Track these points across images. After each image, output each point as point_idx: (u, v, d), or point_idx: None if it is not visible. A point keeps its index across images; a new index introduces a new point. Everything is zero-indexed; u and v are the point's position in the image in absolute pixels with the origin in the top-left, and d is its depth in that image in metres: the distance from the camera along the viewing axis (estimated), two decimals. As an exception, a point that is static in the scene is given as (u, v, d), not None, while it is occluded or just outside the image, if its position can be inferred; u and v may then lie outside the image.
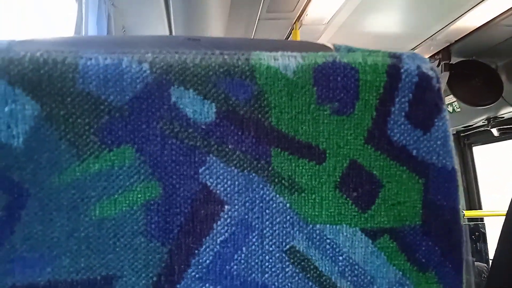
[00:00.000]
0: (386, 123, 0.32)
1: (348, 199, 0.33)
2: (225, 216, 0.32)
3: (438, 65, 2.46)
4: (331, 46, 0.34)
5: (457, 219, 0.34)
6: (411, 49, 2.45)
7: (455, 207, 0.34)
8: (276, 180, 0.32)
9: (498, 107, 2.50)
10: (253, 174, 0.32)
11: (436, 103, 0.33)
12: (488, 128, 2.76)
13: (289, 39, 2.28)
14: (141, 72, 0.30)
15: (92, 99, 0.30)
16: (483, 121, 2.78)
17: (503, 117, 2.67)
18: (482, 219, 2.90)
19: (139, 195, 0.31)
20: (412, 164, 0.33)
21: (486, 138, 2.93)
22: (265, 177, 0.32)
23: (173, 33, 1.75)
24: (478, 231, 2.88)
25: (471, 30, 2.12)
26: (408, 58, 0.33)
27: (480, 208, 2.99)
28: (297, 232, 0.33)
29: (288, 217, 0.33)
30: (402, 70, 0.32)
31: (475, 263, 2.97)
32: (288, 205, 0.33)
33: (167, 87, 0.31)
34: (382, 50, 0.33)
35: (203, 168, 0.32)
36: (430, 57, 2.49)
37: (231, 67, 0.31)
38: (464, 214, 2.39)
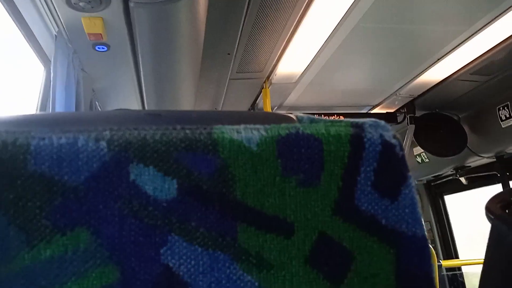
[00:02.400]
0: (353, 193, 0.32)
1: (319, 273, 0.31)
2: None
3: (404, 118, 2.55)
4: (294, 117, 0.34)
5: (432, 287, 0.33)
6: (378, 104, 2.54)
7: (429, 275, 0.33)
8: (243, 257, 0.31)
9: (464, 157, 2.58)
10: (219, 252, 0.30)
11: (401, 170, 0.32)
12: (457, 177, 2.83)
13: (259, 97, 2.33)
14: (98, 150, 0.29)
15: (45, 181, 0.29)
16: (451, 170, 2.86)
17: (470, 166, 2.75)
18: (460, 269, 2.89)
19: (95, 281, 0.29)
20: (382, 233, 0.32)
21: (455, 187, 2.99)
22: (231, 255, 0.31)
23: (143, 92, 1.76)
24: (456, 281, 2.86)
25: (433, 84, 2.23)
26: (371, 127, 0.33)
27: (457, 257, 2.99)
28: None
29: None
30: (365, 140, 0.32)
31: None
32: (256, 283, 0.31)
33: (126, 164, 0.30)
34: (344, 120, 0.33)
35: (165, 248, 0.30)
36: (396, 110, 2.58)
37: (193, 142, 0.30)
38: (441, 264, 2.38)
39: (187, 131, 0.31)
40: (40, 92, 1.31)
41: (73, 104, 1.24)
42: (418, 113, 2.53)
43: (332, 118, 2.55)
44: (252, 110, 2.48)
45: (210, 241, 0.30)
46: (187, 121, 0.32)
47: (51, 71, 1.19)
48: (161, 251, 0.30)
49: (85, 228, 0.29)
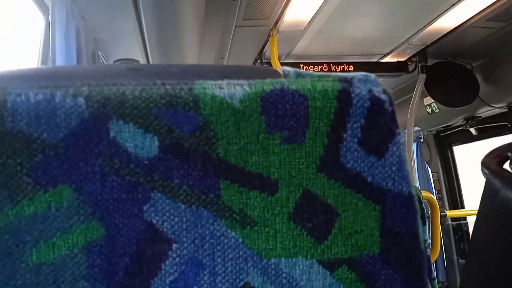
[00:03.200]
0: (339, 150, 0.31)
1: (303, 230, 0.32)
2: (174, 255, 0.30)
3: (415, 67, 2.49)
4: (281, 72, 0.33)
5: (417, 245, 0.33)
6: (388, 52, 2.47)
7: (414, 233, 0.32)
8: (227, 214, 0.31)
9: (475, 107, 2.53)
10: (202, 209, 0.30)
11: (389, 127, 0.31)
12: (467, 128, 2.80)
13: (266, 45, 2.27)
14: (76, 107, 0.29)
15: (24, 138, 0.28)
16: (462, 120, 2.82)
17: (481, 117, 2.70)
18: (465, 218, 2.93)
19: (79, 237, 0.29)
20: (368, 191, 0.32)
21: (465, 137, 2.97)
22: (214, 212, 0.31)
23: (146, 41, 1.72)
24: (461, 230, 2.91)
25: (446, 32, 2.15)
26: (359, 82, 0.31)
27: (463, 207, 3.02)
28: (251, 267, 0.31)
29: (241, 253, 0.31)
30: (353, 95, 0.31)
31: (460, 261, 3.00)
32: (240, 240, 0.31)
33: (105, 121, 0.29)
34: (332, 75, 0.32)
35: (148, 205, 0.30)
36: (407, 59, 2.51)
37: (174, 98, 0.29)
38: (446, 215, 2.41)
39: (168, 87, 0.30)
40: (40, 43, 1.29)
41: (74, 54, 1.23)
42: (430, 62, 2.46)
43: (341, 67, 2.50)
44: (258, 60, 2.43)
45: (193, 198, 0.30)
46: (168, 75, 0.31)
47: (49, 20, 1.17)
48: (144, 208, 0.30)
49: (67, 185, 0.29)
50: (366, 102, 0.31)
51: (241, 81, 0.31)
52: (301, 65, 2.46)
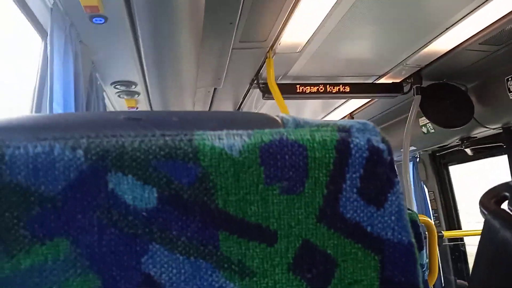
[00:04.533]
0: (338, 200, 0.31)
1: (302, 281, 0.31)
2: None
3: (410, 89, 2.51)
4: (279, 120, 0.33)
5: None
6: (383, 74, 2.49)
7: (414, 282, 0.32)
8: (225, 265, 0.30)
9: (470, 128, 2.55)
10: (201, 260, 0.30)
11: (388, 176, 0.31)
12: (462, 148, 2.81)
13: (263, 67, 2.29)
14: (75, 159, 0.28)
15: (21, 191, 0.28)
16: (457, 141, 2.83)
17: (476, 137, 2.72)
18: (462, 239, 2.92)
19: None
20: (367, 241, 0.32)
21: (460, 157, 2.98)
22: (213, 263, 0.30)
23: (143, 63, 1.73)
24: (458, 251, 2.89)
25: (440, 54, 2.17)
26: (358, 131, 0.32)
27: (460, 227, 3.02)
28: None
29: None
30: (351, 145, 0.31)
31: (457, 281, 2.98)
32: None
33: (104, 173, 0.29)
34: (331, 122, 0.32)
35: (146, 257, 0.30)
36: (402, 81, 2.54)
37: (173, 150, 0.29)
38: (443, 235, 2.40)
39: (167, 138, 0.30)
40: (38, 66, 1.29)
41: (71, 78, 1.23)
42: (425, 83, 2.48)
43: (337, 88, 2.52)
44: (255, 81, 2.44)
45: (192, 250, 0.30)
46: (168, 125, 0.31)
47: (48, 44, 1.17)
48: (142, 260, 0.30)
49: (64, 238, 0.29)
50: (365, 152, 0.31)
51: (240, 131, 0.31)
52: (298, 86, 2.48)
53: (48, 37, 1.18)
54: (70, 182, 0.28)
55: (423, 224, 1.57)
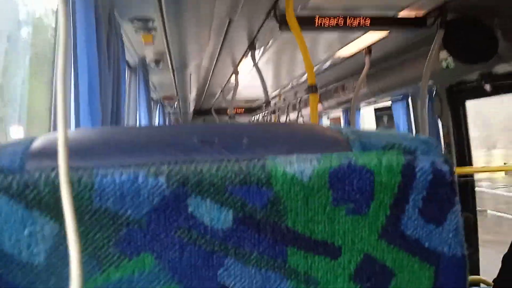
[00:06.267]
0: (400, 219, 0.33)
1: None
2: None
3: (434, 22, 2.41)
4: (343, 139, 0.34)
5: None
6: (407, 5, 2.38)
7: None
8: (293, 276, 0.33)
9: (491, 63, 2.48)
10: (270, 272, 0.33)
11: (449, 197, 0.33)
12: (482, 84, 2.76)
13: (281, -1, 2.19)
14: (157, 186, 0.30)
15: (110, 215, 0.30)
16: (477, 76, 2.77)
17: (497, 73, 2.66)
18: (472, 175, 2.98)
19: None
20: (424, 254, 0.34)
21: (478, 92, 2.93)
22: (281, 274, 0.33)
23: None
24: (466, 186, 2.96)
25: (469, -13, 2.05)
26: (423, 154, 0.33)
27: (471, 164, 3.06)
28: None
29: None
30: (417, 169, 0.32)
31: (463, 213, 3.10)
32: None
33: (184, 198, 0.31)
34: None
35: (222, 269, 0.33)
36: (426, 14, 2.43)
37: (247, 176, 0.31)
38: (455, 171, 2.45)
39: (242, 164, 0.31)
40: (57, 9, 1.26)
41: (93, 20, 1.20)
42: (450, 17, 2.38)
43: (357, 21, 2.42)
44: (272, 12, 2.35)
45: (263, 263, 0.33)
46: (239, 148, 0.32)
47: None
48: (218, 272, 0.33)
49: (149, 253, 0.31)
50: (429, 175, 0.32)
51: (309, 156, 0.32)
52: (317, 18, 2.39)
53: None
54: (154, 206, 0.31)
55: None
